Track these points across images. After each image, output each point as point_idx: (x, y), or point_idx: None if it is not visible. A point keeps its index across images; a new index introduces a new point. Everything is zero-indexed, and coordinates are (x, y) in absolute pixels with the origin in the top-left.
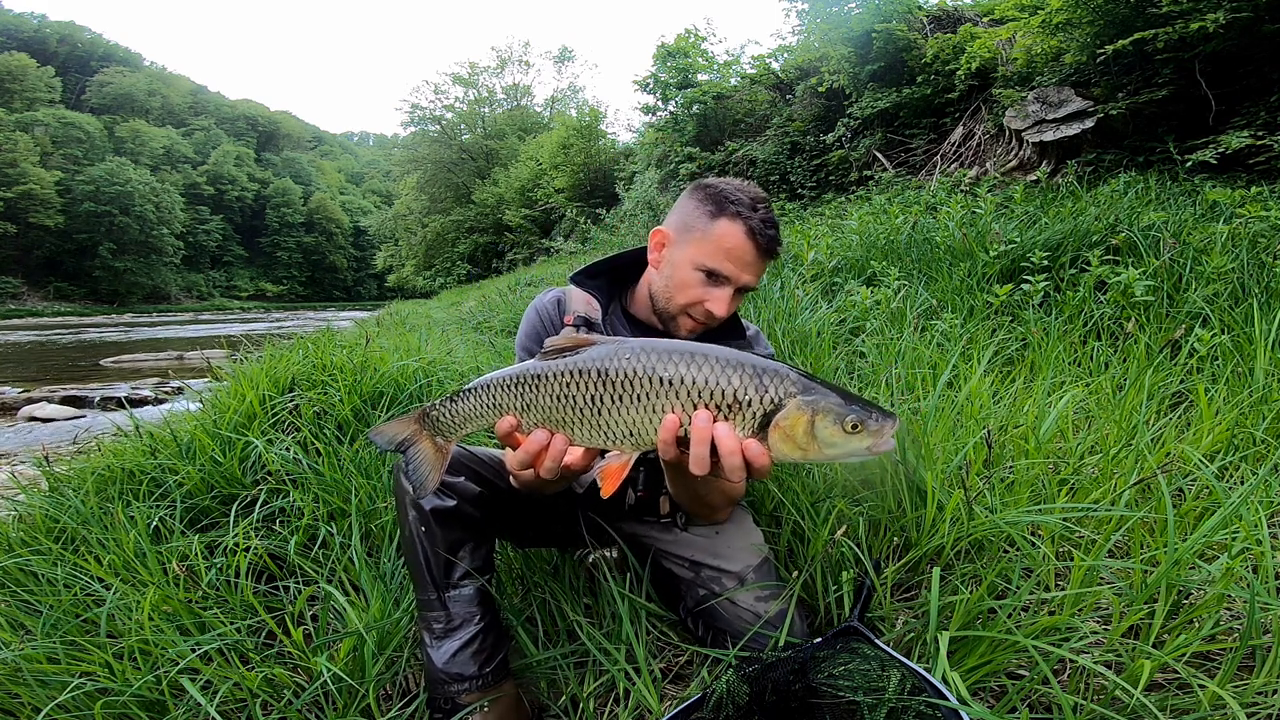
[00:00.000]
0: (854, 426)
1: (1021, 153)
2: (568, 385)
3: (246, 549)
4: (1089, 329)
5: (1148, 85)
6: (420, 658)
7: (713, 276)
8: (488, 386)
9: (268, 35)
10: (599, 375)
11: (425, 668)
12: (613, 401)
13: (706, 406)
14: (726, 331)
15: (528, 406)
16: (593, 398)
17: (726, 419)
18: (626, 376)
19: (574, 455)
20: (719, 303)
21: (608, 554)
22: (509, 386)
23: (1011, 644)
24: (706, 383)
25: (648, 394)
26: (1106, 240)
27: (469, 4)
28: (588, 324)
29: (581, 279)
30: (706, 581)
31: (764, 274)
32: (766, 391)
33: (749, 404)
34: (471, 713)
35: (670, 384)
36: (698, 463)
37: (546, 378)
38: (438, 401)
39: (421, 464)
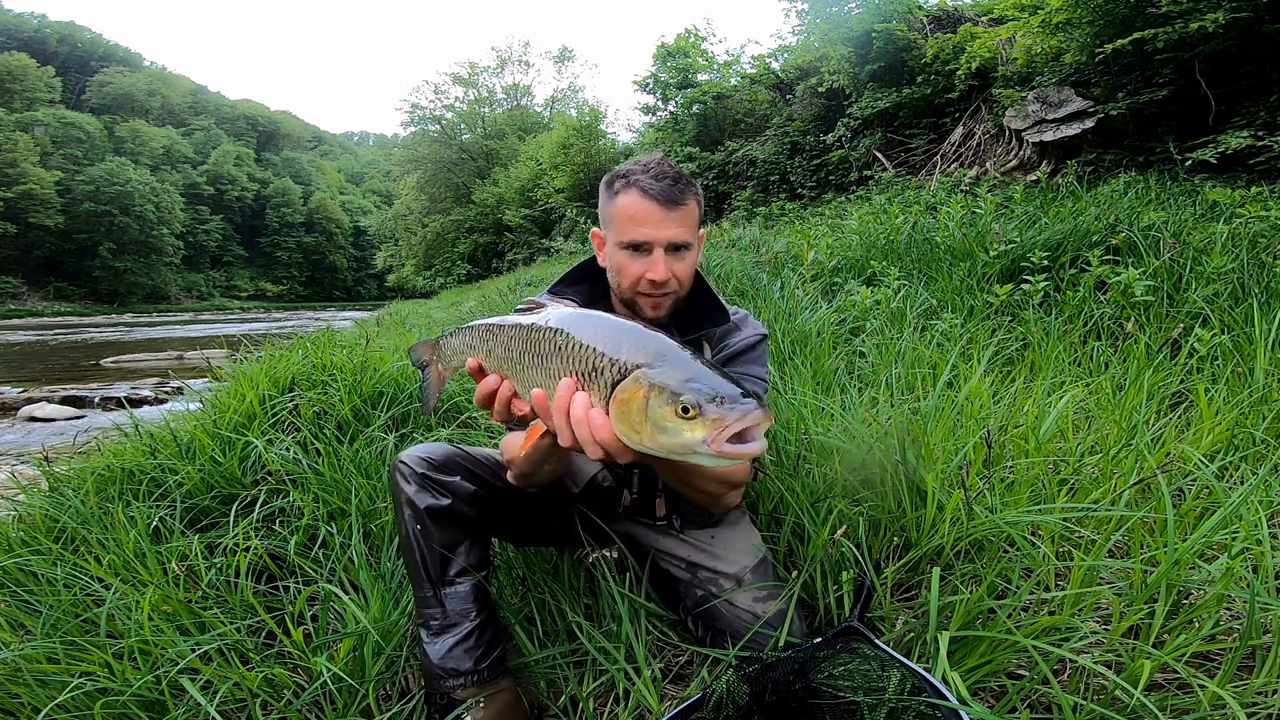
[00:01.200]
0: (685, 410)
1: (1021, 153)
2: (511, 339)
3: (246, 549)
4: (1089, 329)
5: (1148, 85)
6: (419, 658)
7: (636, 248)
8: (469, 329)
9: (268, 35)
10: (527, 334)
11: (422, 664)
12: (531, 360)
13: (575, 374)
14: (705, 310)
15: (489, 353)
16: (521, 354)
17: (587, 388)
18: (540, 338)
19: (523, 407)
20: (654, 268)
21: (607, 554)
22: (478, 331)
23: (1011, 644)
24: (575, 348)
25: (546, 356)
26: (1106, 240)
27: (469, 4)
28: None
29: (560, 289)
30: (704, 583)
31: (693, 225)
32: (618, 359)
33: (601, 371)
34: (468, 709)
35: (558, 349)
36: (560, 432)
37: (500, 330)
38: (445, 333)
39: (428, 386)
